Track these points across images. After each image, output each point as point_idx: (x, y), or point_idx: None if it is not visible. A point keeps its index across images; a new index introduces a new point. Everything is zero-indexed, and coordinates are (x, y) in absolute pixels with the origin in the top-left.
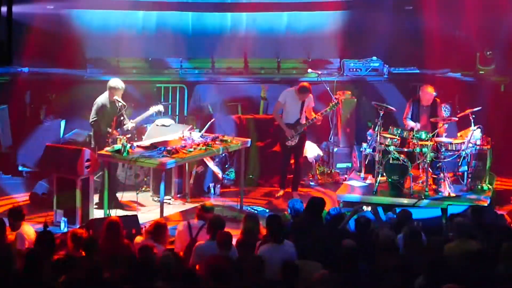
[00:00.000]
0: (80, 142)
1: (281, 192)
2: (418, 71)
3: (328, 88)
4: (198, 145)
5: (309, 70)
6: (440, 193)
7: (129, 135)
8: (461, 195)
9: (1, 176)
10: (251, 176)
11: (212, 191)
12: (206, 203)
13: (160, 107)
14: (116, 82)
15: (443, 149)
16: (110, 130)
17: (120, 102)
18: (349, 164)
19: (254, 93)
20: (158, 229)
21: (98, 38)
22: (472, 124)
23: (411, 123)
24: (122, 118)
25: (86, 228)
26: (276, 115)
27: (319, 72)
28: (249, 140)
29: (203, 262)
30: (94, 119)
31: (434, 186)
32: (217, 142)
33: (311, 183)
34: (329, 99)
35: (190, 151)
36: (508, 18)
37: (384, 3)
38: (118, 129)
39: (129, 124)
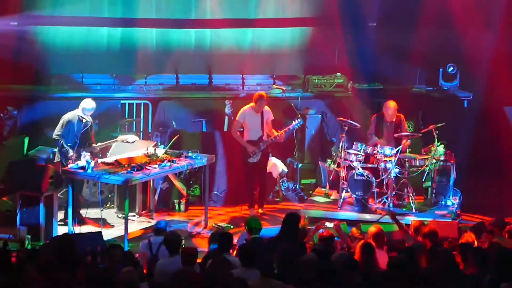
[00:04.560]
0: (44, 159)
1: (254, 212)
2: (382, 87)
3: (292, 104)
4: (163, 161)
5: (274, 86)
6: (404, 209)
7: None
8: (425, 210)
9: None
10: (216, 193)
11: (177, 207)
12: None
13: (129, 137)
14: (87, 102)
15: (407, 164)
16: (71, 148)
17: (86, 119)
18: (314, 180)
19: (219, 109)
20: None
21: (62, 55)
22: (436, 139)
23: (374, 139)
24: (89, 137)
25: (49, 245)
26: (234, 133)
27: (284, 88)
28: (214, 156)
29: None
30: (58, 133)
31: (398, 202)
32: (182, 158)
33: (276, 199)
34: (293, 114)
35: (155, 168)
36: (470, 33)
37: (348, 19)
38: (83, 148)
39: (94, 146)
